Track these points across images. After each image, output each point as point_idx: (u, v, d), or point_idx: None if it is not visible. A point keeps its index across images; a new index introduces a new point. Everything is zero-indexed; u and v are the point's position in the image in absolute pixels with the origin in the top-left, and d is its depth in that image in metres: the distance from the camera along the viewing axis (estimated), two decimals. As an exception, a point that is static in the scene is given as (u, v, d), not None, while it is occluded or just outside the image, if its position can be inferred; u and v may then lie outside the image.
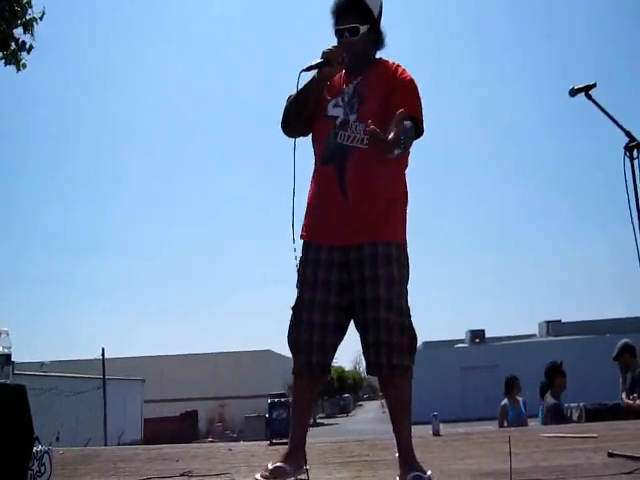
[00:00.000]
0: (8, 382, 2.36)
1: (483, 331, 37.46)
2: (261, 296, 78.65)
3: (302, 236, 2.50)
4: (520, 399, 6.79)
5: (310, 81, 2.45)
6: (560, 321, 37.38)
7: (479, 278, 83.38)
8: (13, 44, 5.08)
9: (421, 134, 2.44)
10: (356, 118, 2.42)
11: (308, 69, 2.41)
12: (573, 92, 2.73)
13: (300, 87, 2.43)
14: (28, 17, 5.18)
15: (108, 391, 23.97)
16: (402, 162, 2.50)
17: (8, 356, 2.43)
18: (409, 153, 2.49)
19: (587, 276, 71.86)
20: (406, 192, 2.53)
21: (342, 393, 55.07)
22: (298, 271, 2.47)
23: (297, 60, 2.44)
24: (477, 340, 36.90)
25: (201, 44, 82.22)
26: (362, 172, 2.36)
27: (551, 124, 72.02)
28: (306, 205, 2.54)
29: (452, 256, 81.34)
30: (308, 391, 2.52)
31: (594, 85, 2.72)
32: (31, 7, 5.21)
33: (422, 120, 2.43)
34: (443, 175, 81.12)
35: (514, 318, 78.45)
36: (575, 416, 6.59)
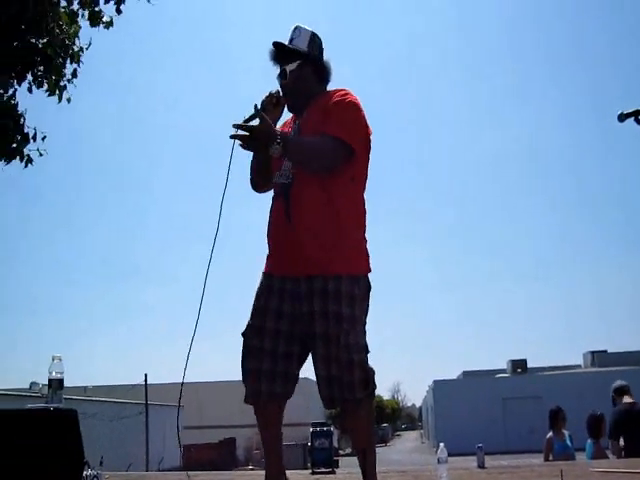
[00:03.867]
0: (61, 406, 2.43)
1: (525, 361, 36.58)
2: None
3: (263, 269, 2.55)
4: (566, 432, 6.58)
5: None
6: (606, 351, 36.28)
7: (521, 306, 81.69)
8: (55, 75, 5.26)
9: (351, 152, 2.40)
10: None
11: (242, 124, 2.27)
12: (622, 117, 2.67)
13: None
14: (76, 48, 5.37)
15: (149, 417, 24.17)
16: (351, 189, 2.46)
17: (61, 381, 2.50)
18: (366, 176, 2.51)
19: (635, 305, 69.65)
20: (359, 218, 2.50)
21: (380, 422, 54.27)
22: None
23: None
24: (519, 370, 36.03)
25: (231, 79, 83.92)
26: (303, 201, 2.40)
27: (596, 149, 70.81)
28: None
29: (493, 284, 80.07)
30: (267, 424, 2.49)
31: (646, 110, 2.67)
32: (78, 38, 5.40)
33: (349, 140, 2.38)
34: (488, 203, 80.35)
35: (558, 348, 76.37)
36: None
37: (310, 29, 2.59)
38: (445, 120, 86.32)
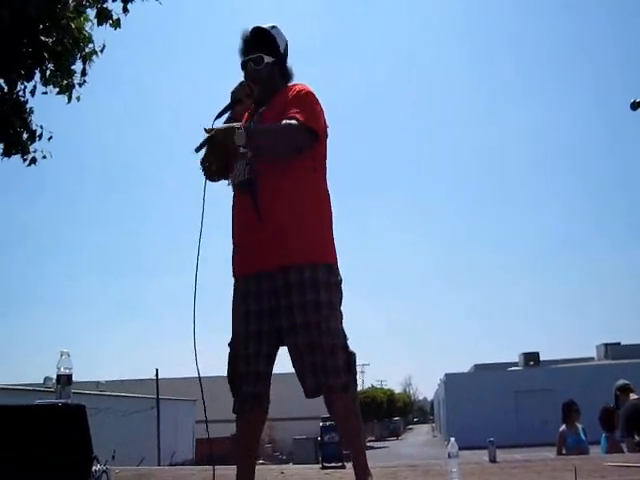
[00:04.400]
0: (69, 402, 2.43)
1: (537, 354, 36.39)
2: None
3: (233, 273, 2.51)
4: (580, 426, 6.51)
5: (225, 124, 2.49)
6: (619, 343, 36.02)
7: (533, 299, 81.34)
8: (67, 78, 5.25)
9: (315, 137, 2.43)
10: None
11: (220, 115, 2.42)
12: (635, 105, 2.63)
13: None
14: (88, 50, 5.37)
15: (161, 411, 24.30)
16: (314, 179, 2.49)
17: (69, 376, 2.49)
18: (325, 168, 2.53)
19: (648, 297, 68.95)
20: (325, 208, 2.52)
21: (392, 416, 54.26)
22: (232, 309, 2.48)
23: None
24: (531, 363, 35.86)
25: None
26: (272, 197, 2.39)
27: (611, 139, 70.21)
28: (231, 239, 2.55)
29: (504, 277, 79.69)
30: (252, 428, 2.48)
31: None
32: (92, 41, 5.40)
33: (313, 125, 2.42)
34: (496, 197, 79.91)
35: (570, 340, 76.05)
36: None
37: (284, 35, 2.61)
38: (448, 114, 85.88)
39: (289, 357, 2.43)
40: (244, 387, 2.41)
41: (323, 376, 2.33)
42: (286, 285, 2.36)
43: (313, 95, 2.52)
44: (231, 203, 2.56)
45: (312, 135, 2.43)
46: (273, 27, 2.58)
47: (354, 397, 2.44)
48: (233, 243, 2.54)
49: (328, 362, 2.33)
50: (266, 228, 2.38)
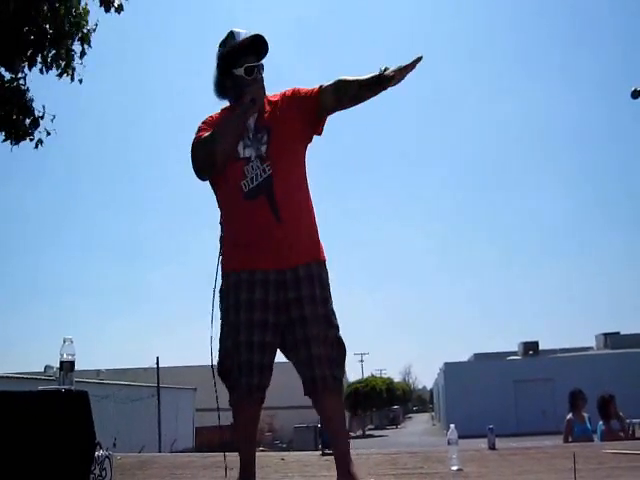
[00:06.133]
0: (72, 388, 2.44)
1: (537, 343, 36.52)
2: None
3: (229, 269, 2.49)
4: (586, 415, 6.53)
5: (231, 121, 2.52)
6: (619, 333, 36.13)
7: (533, 288, 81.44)
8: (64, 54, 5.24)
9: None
10: (266, 150, 2.47)
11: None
12: (636, 94, 2.62)
13: (220, 130, 2.49)
14: (85, 30, 5.37)
15: (161, 399, 24.44)
16: (306, 180, 2.58)
17: (72, 363, 2.50)
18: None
19: (647, 287, 69.09)
20: (313, 206, 2.62)
21: (391, 405, 54.48)
22: (224, 297, 2.48)
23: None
24: (530, 352, 35.99)
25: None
26: (287, 197, 2.46)
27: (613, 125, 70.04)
28: (227, 241, 2.53)
29: (504, 266, 79.80)
30: (253, 419, 2.52)
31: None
32: (86, 21, 5.39)
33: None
34: (496, 184, 79.86)
35: (570, 330, 76.16)
36: (639, 432, 6.32)
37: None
38: (445, 100, 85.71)
39: (287, 349, 2.46)
40: (246, 378, 2.40)
41: (327, 366, 2.41)
42: (295, 279, 2.43)
43: None
44: (226, 201, 2.54)
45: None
46: (257, 35, 2.55)
47: (342, 393, 2.58)
48: (236, 240, 2.50)
49: (332, 353, 2.43)
50: (283, 232, 2.42)
